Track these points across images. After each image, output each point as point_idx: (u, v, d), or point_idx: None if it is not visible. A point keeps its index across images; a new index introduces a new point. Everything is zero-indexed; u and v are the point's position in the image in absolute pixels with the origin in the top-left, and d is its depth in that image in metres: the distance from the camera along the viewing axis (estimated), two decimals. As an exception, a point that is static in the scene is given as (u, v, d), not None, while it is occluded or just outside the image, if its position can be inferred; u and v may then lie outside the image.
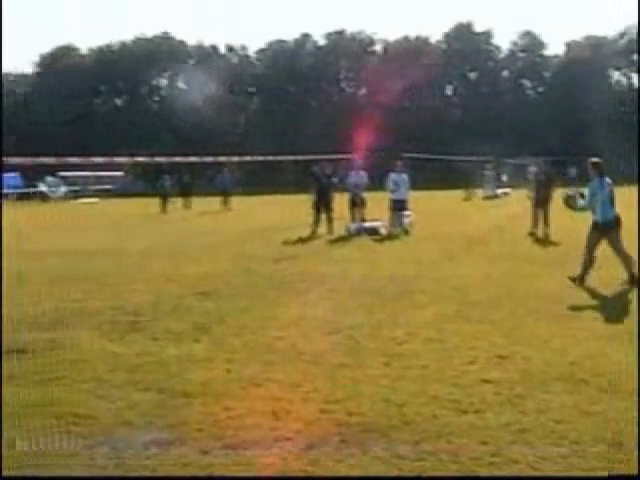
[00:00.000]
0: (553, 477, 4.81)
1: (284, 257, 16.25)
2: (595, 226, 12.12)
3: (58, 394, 6.61)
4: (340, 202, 22.82)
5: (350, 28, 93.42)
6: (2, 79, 63.95)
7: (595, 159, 12.63)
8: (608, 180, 12.28)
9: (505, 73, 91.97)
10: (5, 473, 4.79)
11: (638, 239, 13.19)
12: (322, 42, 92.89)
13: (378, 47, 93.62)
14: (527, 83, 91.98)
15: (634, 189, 31.65)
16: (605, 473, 4.77)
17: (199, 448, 5.30)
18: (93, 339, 8.75)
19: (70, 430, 5.73)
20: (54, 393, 6.64)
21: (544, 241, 17.70)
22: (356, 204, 22.72)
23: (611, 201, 12.08)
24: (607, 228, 11.99)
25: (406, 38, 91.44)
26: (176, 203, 38.93)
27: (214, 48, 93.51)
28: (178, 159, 33.63)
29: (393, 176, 21.76)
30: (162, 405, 6.25)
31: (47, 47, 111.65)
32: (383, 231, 21.13)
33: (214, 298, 11.34)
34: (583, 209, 17.12)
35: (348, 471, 4.89)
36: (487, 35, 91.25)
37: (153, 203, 39.55)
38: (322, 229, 21.33)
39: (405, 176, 21.89)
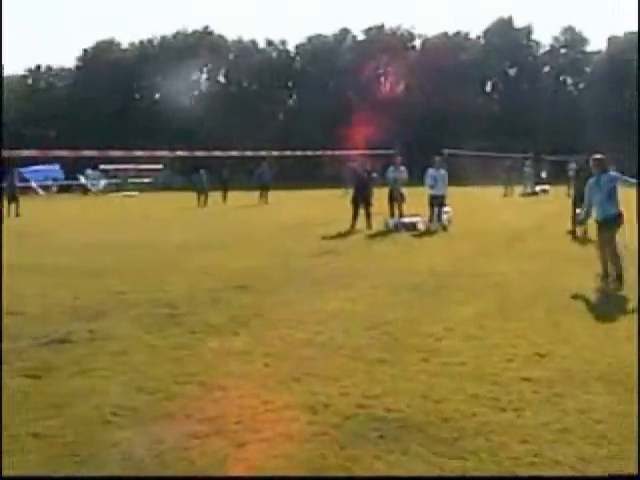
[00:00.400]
0: (553, 477, 4.77)
1: (322, 252, 16.25)
2: (598, 225, 11.99)
3: (98, 385, 6.67)
4: (379, 197, 22.78)
5: (389, 23, 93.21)
6: (2, 79, 64.53)
7: (598, 155, 12.43)
8: (613, 174, 12.10)
9: (546, 69, 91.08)
10: (5, 473, 4.80)
11: (638, 239, 13.00)
12: (361, 37, 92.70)
13: (417, 42, 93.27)
14: (568, 79, 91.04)
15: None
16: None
17: (237, 441, 5.31)
18: (132, 331, 8.81)
19: (110, 420, 5.78)
20: (94, 384, 6.70)
21: (583, 239, 17.51)
22: (395, 199, 22.68)
23: (610, 198, 11.77)
24: (607, 225, 11.79)
25: (445, 34, 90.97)
26: (214, 197, 39.05)
27: (253, 43, 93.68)
28: (218, 153, 33.73)
29: (431, 172, 21.66)
30: (200, 398, 6.27)
31: (89, 41, 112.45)
32: (421, 227, 21.05)
33: (252, 292, 11.37)
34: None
35: (386, 468, 4.87)
36: (527, 30, 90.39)
37: (191, 197, 39.74)
38: (361, 224, 21.29)
39: (443, 172, 21.77)
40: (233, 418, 5.73)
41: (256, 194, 38.51)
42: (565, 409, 5.84)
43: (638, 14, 58.22)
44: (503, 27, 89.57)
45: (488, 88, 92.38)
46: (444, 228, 20.87)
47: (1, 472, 4.79)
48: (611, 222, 11.77)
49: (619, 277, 11.47)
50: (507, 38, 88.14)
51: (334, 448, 5.16)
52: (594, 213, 12.11)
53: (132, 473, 4.82)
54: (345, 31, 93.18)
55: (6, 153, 24.33)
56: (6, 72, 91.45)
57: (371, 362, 7.21)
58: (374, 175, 23.22)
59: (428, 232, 20.40)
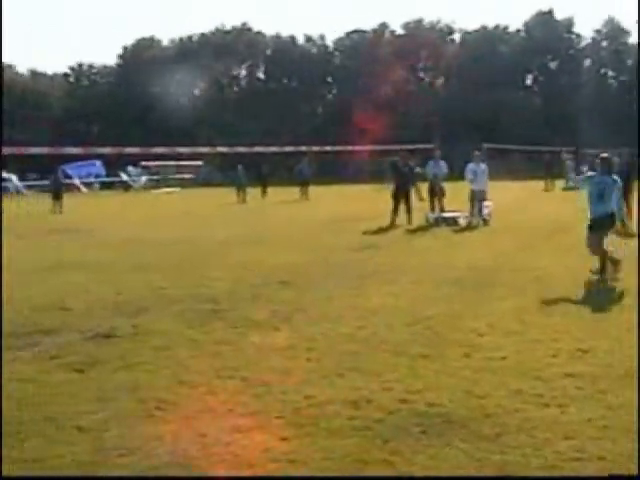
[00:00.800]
0: (553, 477, 4.71)
1: (363, 247, 16.25)
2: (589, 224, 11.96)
3: (142, 379, 6.74)
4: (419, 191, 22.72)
5: (428, 17, 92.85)
6: (3, 79, 65.09)
7: (604, 154, 12.42)
8: (612, 179, 11.90)
9: (587, 62, 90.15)
10: (5, 473, 4.84)
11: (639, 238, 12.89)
12: (400, 31, 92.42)
13: (456, 36, 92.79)
14: (609, 72, 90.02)
15: None
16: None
17: (279, 435, 5.33)
18: (174, 326, 8.88)
19: (154, 415, 5.84)
20: (138, 378, 6.77)
21: (625, 234, 17.33)
22: (436, 194, 22.62)
23: (600, 197, 11.71)
24: (597, 225, 11.78)
25: (484, 27, 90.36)
26: (253, 193, 39.20)
27: (292, 38, 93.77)
28: (258, 149, 33.84)
29: (471, 166, 21.55)
30: (243, 392, 6.31)
31: (129, 39, 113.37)
32: (462, 221, 20.98)
33: (293, 287, 11.41)
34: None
35: (429, 462, 4.86)
36: (568, 23, 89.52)
37: (231, 193, 39.94)
38: (401, 219, 21.25)
39: (484, 166, 21.66)
40: (276, 413, 5.76)
41: (295, 190, 38.55)
42: (609, 405, 5.79)
43: (638, 14, 57.80)
44: (543, 20, 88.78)
45: (528, 82, 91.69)
46: (485, 222, 20.77)
47: (1, 472, 4.83)
48: (599, 221, 11.75)
49: (602, 268, 11.57)
50: (548, 31, 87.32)
51: (377, 443, 5.15)
52: (587, 211, 12.05)
53: (178, 466, 4.87)
54: (384, 26, 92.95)
55: (51, 150, 24.63)
56: (49, 70, 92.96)
57: (413, 357, 7.20)
58: (417, 170, 23.16)
59: (469, 227, 20.32)
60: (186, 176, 64.84)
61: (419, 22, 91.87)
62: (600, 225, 11.74)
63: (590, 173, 12.26)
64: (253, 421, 5.59)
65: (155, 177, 63.58)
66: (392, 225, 20.71)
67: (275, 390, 6.31)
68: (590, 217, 11.87)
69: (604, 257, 11.66)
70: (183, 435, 5.37)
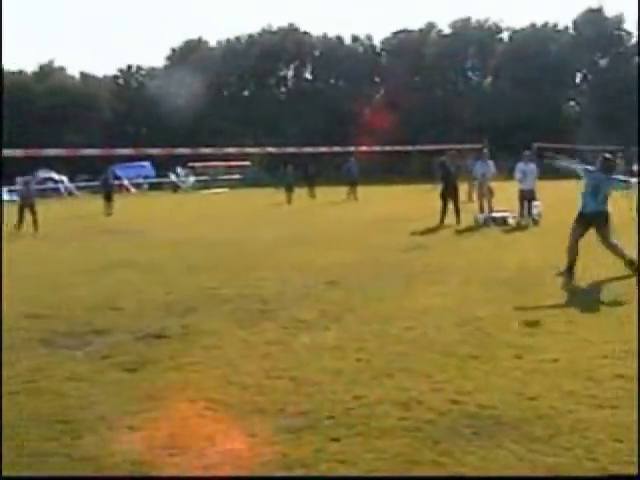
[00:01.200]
0: (553, 477, 4.69)
1: (412, 247, 16.20)
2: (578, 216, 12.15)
3: (192, 379, 6.79)
4: (465, 191, 22.61)
5: (476, 16, 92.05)
6: (3, 80, 65.66)
7: (608, 155, 12.69)
8: (616, 177, 12.42)
9: (636, 59, 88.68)
10: (5, 473, 4.88)
11: (638, 239, 12.63)
12: (447, 31, 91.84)
13: (504, 35, 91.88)
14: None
15: None
16: None
17: (330, 435, 5.34)
18: (224, 326, 8.93)
19: (204, 414, 5.88)
20: (188, 378, 6.82)
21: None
22: (484, 194, 22.48)
23: (594, 194, 11.86)
24: (585, 219, 11.95)
25: (533, 25, 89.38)
26: (300, 193, 39.26)
27: (339, 39, 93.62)
28: (308, 149, 33.85)
29: (521, 166, 21.36)
30: (293, 392, 6.32)
31: (177, 41, 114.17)
32: (511, 221, 20.82)
33: (342, 287, 11.41)
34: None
35: (479, 463, 4.84)
36: (618, 20, 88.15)
37: (278, 193, 40.06)
38: (450, 219, 21.15)
39: (533, 165, 21.45)
40: (326, 413, 5.77)
41: (343, 189, 38.49)
42: (663, 406, 5.72)
43: (638, 14, 56.83)
44: (593, 17, 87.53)
45: (578, 80, 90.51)
46: (535, 222, 20.57)
47: (1, 472, 4.87)
48: (591, 218, 11.91)
49: (570, 269, 11.66)
50: (597, 28, 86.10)
51: (427, 443, 5.14)
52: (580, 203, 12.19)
53: (228, 466, 4.90)
54: (431, 25, 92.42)
55: (103, 152, 24.92)
56: (99, 73, 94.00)
57: (463, 358, 7.17)
58: (469, 168, 23.04)
59: (518, 227, 20.15)
60: (234, 176, 65.15)
61: (466, 21, 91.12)
62: (589, 220, 11.90)
63: (590, 168, 12.38)
64: (304, 421, 5.61)
65: (203, 178, 63.95)
66: (441, 225, 20.62)
67: (325, 390, 6.33)
68: (580, 210, 12.06)
69: (615, 252, 11.76)
70: (233, 435, 5.40)
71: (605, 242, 11.89)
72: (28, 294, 11.66)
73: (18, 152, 23.31)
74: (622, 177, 19.84)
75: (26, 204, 24.60)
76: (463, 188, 22.92)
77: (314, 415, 5.74)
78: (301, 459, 4.95)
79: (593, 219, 11.87)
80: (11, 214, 24.66)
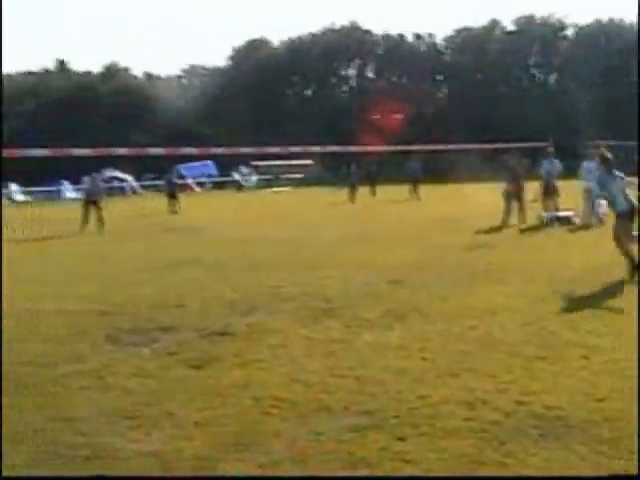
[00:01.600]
0: (554, 477, 4.63)
1: (476, 246, 16.09)
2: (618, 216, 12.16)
3: (257, 376, 6.83)
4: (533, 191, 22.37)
5: (540, 12, 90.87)
6: (2, 81, 66.28)
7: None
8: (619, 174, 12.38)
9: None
10: (5, 473, 4.90)
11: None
12: (511, 27, 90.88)
13: (569, 32, 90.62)
14: None
15: None
16: None
17: (395, 434, 5.33)
18: (288, 324, 8.97)
19: (269, 412, 5.91)
20: (253, 375, 6.86)
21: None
22: (549, 193, 22.19)
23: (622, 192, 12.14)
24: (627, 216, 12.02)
25: (598, 21, 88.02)
26: (362, 191, 39.20)
27: (401, 37, 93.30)
28: (371, 148, 33.82)
29: (586, 164, 21.03)
30: (357, 391, 6.32)
31: (239, 41, 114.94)
32: (577, 220, 20.52)
33: (406, 286, 11.37)
34: None
35: (544, 464, 4.78)
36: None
37: (341, 192, 40.06)
38: (514, 218, 20.94)
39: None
40: (391, 412, 5.75)
41: (405, 188, 38.31)
42: None
43: (638, 13, 55.32)
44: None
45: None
46: (601, 222, 20.24)
47: (1, 472, 4.90)
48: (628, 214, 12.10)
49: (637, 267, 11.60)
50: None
51: (493, 444, 5.10)
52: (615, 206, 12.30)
53: (293, 463, 4.91)
54: (494, 22, 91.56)
55: (168, 151, 25.18)
56: (162, 73, 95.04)
57: (529, 358, 7.09)
58: (543, 166, 22.75)
59: (584, 226, 19.86)
60: (296, 175, 65.30)
61: (530, 17, 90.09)
62: (628, 218, 12.07)
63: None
64: (369, 420, 5.61)
65: (266, 176, 64.24)
66: (505, 224, 20.41)
67: (390, 389, 6.31)
68: (618, 211, 12.12)
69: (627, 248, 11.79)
70: (299, 433, 5.42)
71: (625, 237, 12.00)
72: (94, 291, 11.86)
73: (87, 151, 23.70)
74: None
75: (90, 201, 24.90)
76: (533, 187, 22.63)
77: (379, 414, 5.73)
78: (366, 458, 4.95)
79: (631, 215, 12.05)
80: (77, 212, 25.04)
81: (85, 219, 24.28)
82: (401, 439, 5.25)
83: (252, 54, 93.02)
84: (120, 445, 5.30)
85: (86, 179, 25.96)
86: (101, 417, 5.90)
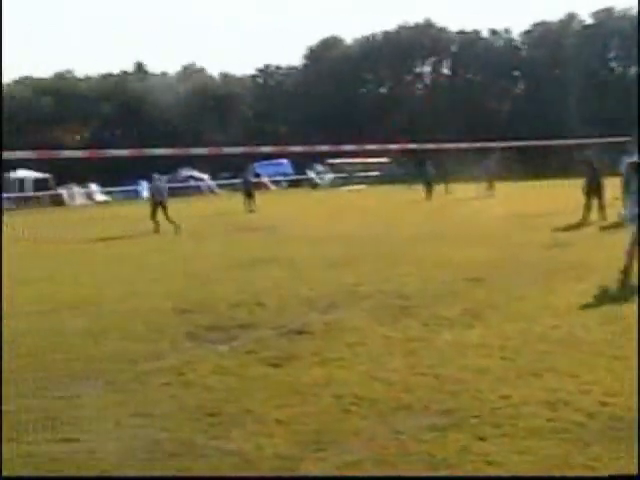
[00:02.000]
0: (553, 477, 4.55)
1: (554, 244, 15.83)
2: None
3: (337, 374, 6.84)
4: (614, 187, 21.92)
5: (619, 5, 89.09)
6: (2, 83, 66.75)
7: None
8: None
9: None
10: (5, 473, 4.91)
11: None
12: (589, 21, 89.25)
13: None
14: None
15: None
16: None
17: (476, 435, 5.28)
18: (366, 322, 8.96)
19: (350, 410, 5.90)
20: (333, 374, 6.87)
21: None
22: (629, 189, 21.73)
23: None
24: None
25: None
26: (437, 189, 39.00)
27: (477, 33, 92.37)
28: (448, 145, 33.55)
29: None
30: (437, 390, 6.28)
31: (314, 39, 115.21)
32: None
33: (484, 284, 11.27)
34: None
35: (629, 467, 4.67)
36: None
37: (416, 189, 39.88)
38: (594, 215, 20.57)
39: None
40: (472, 412, 5.70)
41: (481, 186, 37.97)
42: None
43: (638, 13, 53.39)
44: None
45: None
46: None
47: (1, 472, 4.92)
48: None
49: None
50: None
51: (578, 446, 5.01)
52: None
53: (374, 462, 4.90)
54: (571, 16, 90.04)
55: (245, 150, 25.35)
56: (238, 73, 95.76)
57: (612, 358, 6.95)
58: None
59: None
60: (372, 173, 65.21)
61: (609, 10, 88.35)
62: None
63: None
64: (449, 419, 5.56)
65: (341, 175, 64.31)
66: (584, 222, 20.07)
67: (470, 388, 6.25)
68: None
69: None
70: (379, 432, 5.40)
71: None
72: (174, 289, 12.04)
73: (169, 151, 24.12)
74: None
75: (156, 201, 25.13)
76: (614, 183, 22.21)
77: (459, 413, 5.68)
78: (446, 459, 4.91)
79: None
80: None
81: (154, 219, 24.47)
82: (482, 439, 5.19)
83: (326, 53, 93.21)
84: (201, 442, 5.36)
85: (156, 176, 26.18)
86: (182, 413, 5.98)
